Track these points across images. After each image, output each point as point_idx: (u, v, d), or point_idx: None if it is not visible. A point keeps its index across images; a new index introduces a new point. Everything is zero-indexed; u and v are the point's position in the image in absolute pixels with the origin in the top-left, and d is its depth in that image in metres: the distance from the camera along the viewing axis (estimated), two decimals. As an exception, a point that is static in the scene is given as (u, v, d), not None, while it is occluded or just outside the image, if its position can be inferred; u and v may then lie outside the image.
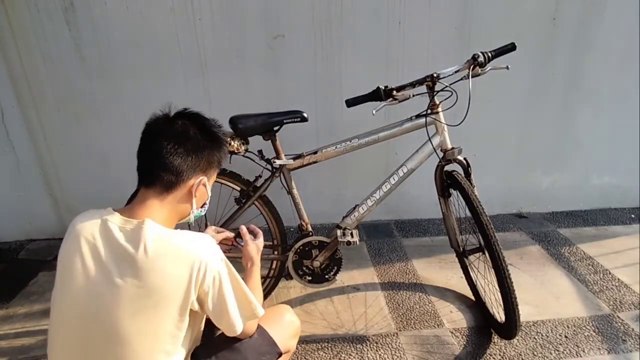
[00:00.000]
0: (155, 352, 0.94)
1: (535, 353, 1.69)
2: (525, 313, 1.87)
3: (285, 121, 1.65)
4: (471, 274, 1.96)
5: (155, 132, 1.00)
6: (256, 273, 1.28)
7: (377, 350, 1.71)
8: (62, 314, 0.96)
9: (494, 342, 1.75)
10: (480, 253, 1.75)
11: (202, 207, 1.12)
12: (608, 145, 2.76)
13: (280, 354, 1.19)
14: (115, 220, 0.96)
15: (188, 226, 1.36)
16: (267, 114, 1.65)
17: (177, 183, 1.00)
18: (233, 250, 1.45)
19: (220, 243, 1.41)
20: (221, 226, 1.64)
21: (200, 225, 1.80)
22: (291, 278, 1.84)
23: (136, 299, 0.90)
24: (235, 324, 1.03)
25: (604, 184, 2.88)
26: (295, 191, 1.77)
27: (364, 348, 1.73)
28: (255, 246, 1.33)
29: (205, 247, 0.97)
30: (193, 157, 1.01)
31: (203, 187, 1.06)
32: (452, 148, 1.66)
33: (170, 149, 0.98)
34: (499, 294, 1.57)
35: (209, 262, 0.95)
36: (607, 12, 2.42)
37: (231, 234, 1.42)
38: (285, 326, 1.24)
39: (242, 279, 1.07)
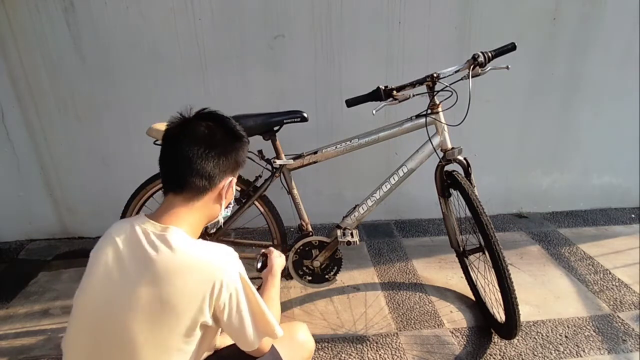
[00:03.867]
0: None
1: (535, 353, 1.69)
2: (526, 313, 1.87)
3: (285, 121, 1.65)
4: (471, 274, 1.96)
5: (181, 137, 0.96)
6: (276, 286, 1.22)
7: (377, 350, 1.71)
8: (80, 310, 0.95)
9: (494, 342, 1.75)
10: (480, 253, 1.75)
11: (227, 207, 1.09)
12: (608, 145, 2.76)
13: None
14: (143, 224, 0.94)
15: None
16: (267, 114, 1.65)
17: (210, 188, 0.98)
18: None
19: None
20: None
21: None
22: (291, 278, 1.84)
23: (148, 305, 0.88)
24: (252, 341, 0.99)
25: (604, 184, 2.88)
26: (295, 191, 1.77)
27: (364, 348, 1.73)
28: (280, 260, 1.29)
29: (225, 261, 0.94)
30: (224, 160, 0.99)
31: (231, 188, 1.04)
32: (452, 148, 1.66)
33: (202, 153, 0.95)
34: (499, 294, 1.57)
35: (225, 278, 0.92)
36: (607, 12, 2.42)
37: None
38: (298, 347, 1.17)
39: (259, 290, 1.04)
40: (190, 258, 0.91)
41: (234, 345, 1.04)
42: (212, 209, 1.03)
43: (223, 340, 1.16)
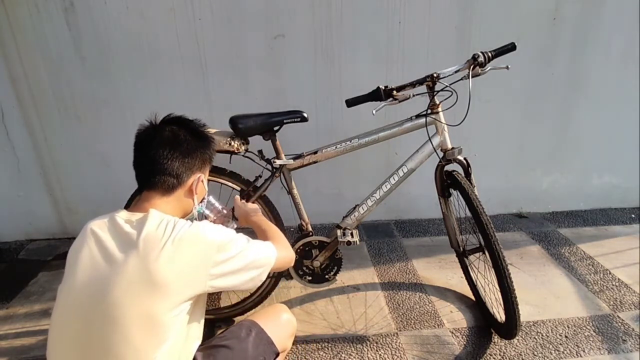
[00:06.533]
0: (150, 346, 0.92)
1: (535, 353, 1.69)
2: (526, 313, 1.87)
3: (285, 121, 1.65)
4: (471, 273, 1.96)
5: (148, 142, 1.07)
6: (261, 225, 1.32)
7: (377, 350, 1.71)
8: (66, 298, 0.96)
9: (494, 342, 1.75)
10: (481, 253, 1.75)
11: (201, 202, 1.19)
12: (608, 145, 2.76)
13: (277, 354, 1.20)
14: (122, 215, 1.02)
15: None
16: (267, 114, 1.65)
17: (178, 184, 1.09)
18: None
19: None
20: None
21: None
22: (291, 278, 1.84)
23: (138, 278, 0.91)
24: (258, 281, 1.09)
25: (604, 184, 2.88)
26: (295, 191, 1.77)
27: (364, 348, 1.73)
28: (243, 206, 1.41)
29: (209, 229, 1.01)
30: (188, 159, 1.09)
31: (201, 183, 1.14)
32: (452, 148, 1.66)
33: (167, 154, 1.06)
34: (499, 293, 1.57)
35: (213, 244, 0.99)
36: (607, 12, 2.42)
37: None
38: (283, 325, 1.26)
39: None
40: (175, 231, 0.97)
41: (221, 334, 1.11)
42: (185, 203, 1.12)
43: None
